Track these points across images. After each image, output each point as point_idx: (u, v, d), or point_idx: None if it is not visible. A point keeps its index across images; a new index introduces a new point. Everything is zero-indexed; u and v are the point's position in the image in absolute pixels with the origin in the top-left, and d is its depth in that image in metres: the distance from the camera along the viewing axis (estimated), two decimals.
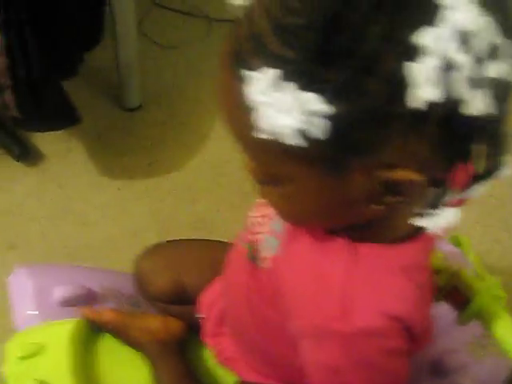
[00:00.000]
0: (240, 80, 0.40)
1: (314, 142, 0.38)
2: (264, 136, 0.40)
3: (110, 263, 1.29)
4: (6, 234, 1.33)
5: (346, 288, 0.47)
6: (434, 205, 0.44)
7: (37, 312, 0.84)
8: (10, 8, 1.08)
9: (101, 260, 1.29)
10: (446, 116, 0.37)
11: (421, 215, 0.45)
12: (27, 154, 1.46)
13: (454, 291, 0.67)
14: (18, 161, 1.45)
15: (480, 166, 0.43)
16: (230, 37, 0.43)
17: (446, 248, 0.71)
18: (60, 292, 0.86)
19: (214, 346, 0.78)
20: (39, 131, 1.43)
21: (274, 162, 0.44)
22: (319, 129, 0.38)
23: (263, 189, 0.51)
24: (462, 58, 0.35)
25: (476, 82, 0.36)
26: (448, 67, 0.36)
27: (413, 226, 0.47)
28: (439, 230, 0.46)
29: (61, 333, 0.80)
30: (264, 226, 0.60)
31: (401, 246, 0.49)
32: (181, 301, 0.83)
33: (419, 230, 0.49)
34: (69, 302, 0.86)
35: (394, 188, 0.42)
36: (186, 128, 1.60)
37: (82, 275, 0.94)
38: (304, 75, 0.37)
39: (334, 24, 0.36)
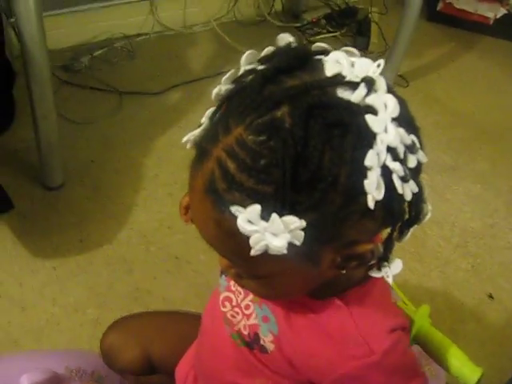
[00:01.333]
0: (224, 213, 0.47)
1: (293, 247, 0.47)
2: (256, 253, 0.48)
3: (55, 343, 1.30)
4: None
5: (359, 330, 0.58)
6: (385, 258, 0.55)
7: None
8: None
9: (46, 342, 1.30)
10: (387, 202, 0.48)
11: (377, 267, 0.56)
12: None
13: None
14: None
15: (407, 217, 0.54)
16: (197, 174, 0.50)
17: None
18: (28, 380, 0.88)
19: None
20: None
21: (259, 266, 0.53)
22: (299, 238, 0.47)
23: (242, 281, 0.59)
24: (394, 165, 0.47)
25: (405, 178, 0.48)
26: (386, 173, 0.47)
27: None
28: (391, 278, 0.56)
29: None
30: (246, 317, 0.67)
31: (367, 284, 0.60)
32: (150, 371, 0.88)
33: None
34: None
35: (354, 257, 0.53)
36: (111, 200, 1.65)
37: (44, 359, 0.96)
38: (282, 203, 0.45)
39: (297, 161, 0.45)
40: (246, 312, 0.67)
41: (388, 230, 0.53)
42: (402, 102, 0.48)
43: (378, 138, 0.46)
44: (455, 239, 1.70)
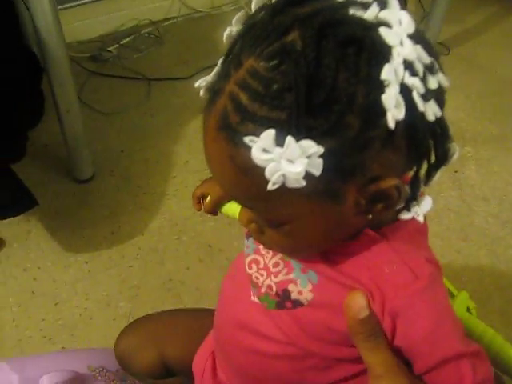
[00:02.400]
0: (238, 147, 0.46)
1: (313, 179, 0.45)
2: (273, 186, 0.45)
3: (89, 338, 1.29)
4: None
5: (398, 255, 0.54)
6: (413, 198, 0.52)
7: None
8: None
9: (79, 337, 1.29)
10: (409, 127, 0.45)
11: (406, 208, 0.52)
12: None
13: None
14: None
15: (433, 158, 0.50)
16: (210, 113, 0.48)
17: None
18: (48, 380, 0.86)
19: None
20: None
21: (278, 207, 0.50)
22: (318, 167, 0.44)
23: (264, 236, 0.56)
24: (413, 81, 0.44)
25: (425, 96, 0.45)
26: (406, 93, 0.44)
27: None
28: (422, 217, 0.53)
29: None
30: (274, 275, 0.62)
31: (400, 221, 0.55)
32: (167, 373, 0.84)
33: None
34: None
35: (379, 196, 0.49)
36: (142, 190, 1.63)
37: (65, 359, 0.94)
38: (297, 128, 0.43)
39: (310, 82, 0.43)
40: (274, 270, 0.63)
41: (414, 169, 0.51)
42: (419, 28, 0.46)
43: (394, 52, 0.44)
44: (504, 215, 1.60)
